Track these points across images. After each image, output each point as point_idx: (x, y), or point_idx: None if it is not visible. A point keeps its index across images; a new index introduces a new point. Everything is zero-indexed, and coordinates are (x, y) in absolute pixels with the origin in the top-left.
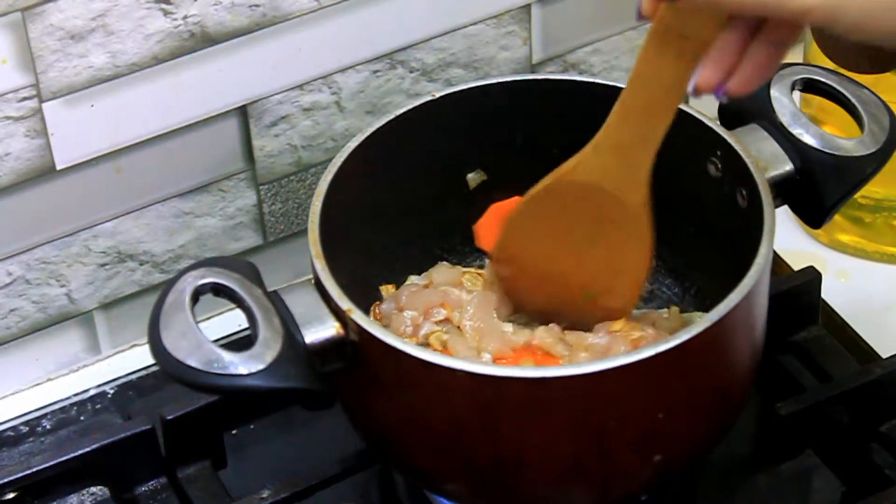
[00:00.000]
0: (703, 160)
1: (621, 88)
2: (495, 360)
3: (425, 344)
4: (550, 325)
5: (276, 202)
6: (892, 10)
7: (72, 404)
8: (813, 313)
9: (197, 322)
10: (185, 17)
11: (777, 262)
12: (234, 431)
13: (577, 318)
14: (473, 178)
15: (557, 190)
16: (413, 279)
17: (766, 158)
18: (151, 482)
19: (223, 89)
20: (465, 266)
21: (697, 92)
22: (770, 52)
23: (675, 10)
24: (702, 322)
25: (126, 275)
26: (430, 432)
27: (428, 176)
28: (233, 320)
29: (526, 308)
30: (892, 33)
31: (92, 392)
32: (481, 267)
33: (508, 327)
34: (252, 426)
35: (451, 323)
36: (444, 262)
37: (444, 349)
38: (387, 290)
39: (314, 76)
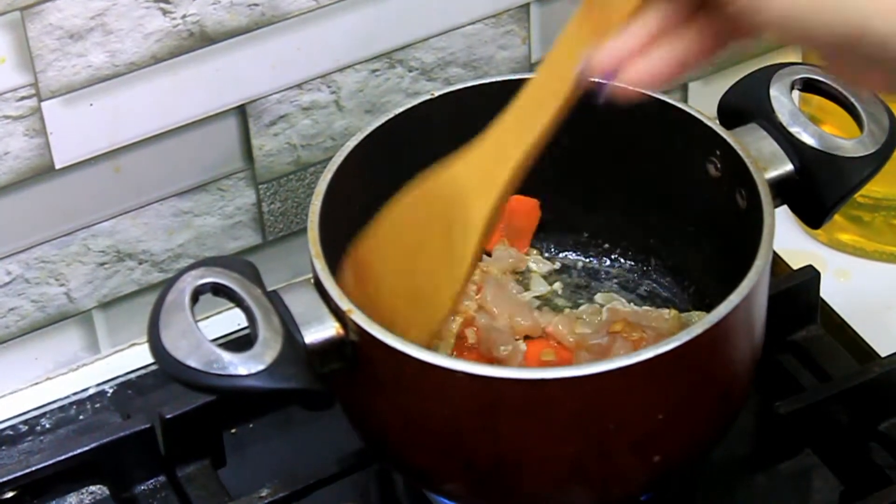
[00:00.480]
0: (703, 160)
1: (621, 87)
2: (527, 341)
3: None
4: (567, 311)
5: (275, 201)
6: (821, 8)
7: (71, 403)
8: (812, 312)
9: (196, 322)
10: (183, 17)
11: (776, 261)
12: (233, 430)
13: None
14: None
15: (427, 184)
16: None
17: (765, 158)
18: (151, 481)
19: (222, 88)
20: None
21: (589, 71)
22: (680, 55)
23: None
24: (702, 323)
25: (125, 274)
26: (429, 432)
27: None
28: (232, 319)
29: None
30: (817, 32)
31: (91, 391)
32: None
33: (535, 302)
34: (251, 425)
35: (458, 313)
36: None
37: (478, 332)
38: None
39: (313, 75)
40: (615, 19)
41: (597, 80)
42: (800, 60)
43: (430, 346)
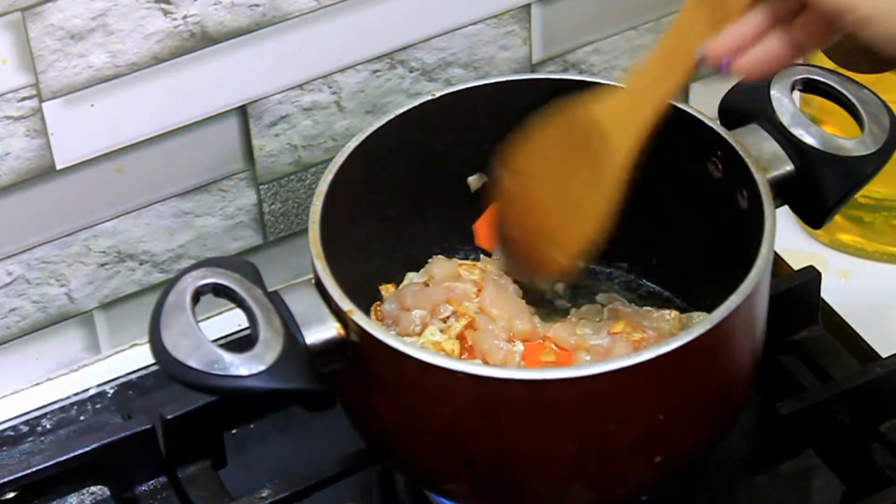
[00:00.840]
0: (704, 160)
1: (623, 88)
2: (526, 343)
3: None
4: (568, 316)
5: (276, 202)
6: None
7: (72, 404)
8: (813, 313)
9: (197, 322)
10: (185, 17)
11: (777, 261)
12: (234, 431)
13: (528, 264)
14: (475, 181)
15: (572, 118)
16: (411, 276)
17: (766, 159)
18: (151, 482)
19: (223, 89)
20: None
21: (705, 59)
22: (788, 46)
23: None
24: (703, 324)
25: (126, 274)
26: (430, 433)
27: (428, 175)
28: (233, 320)
29: (504, 237)
30: None
31: (92, 391)
32: (477, 261)
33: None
34: (252, 426)
35: (460, 315)
36: (440, 256)
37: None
38: (386, 289)
39: (314, 76)
40: (733, 8)
41: (710, 62)
42: (801, 61)
43: (573, 266)
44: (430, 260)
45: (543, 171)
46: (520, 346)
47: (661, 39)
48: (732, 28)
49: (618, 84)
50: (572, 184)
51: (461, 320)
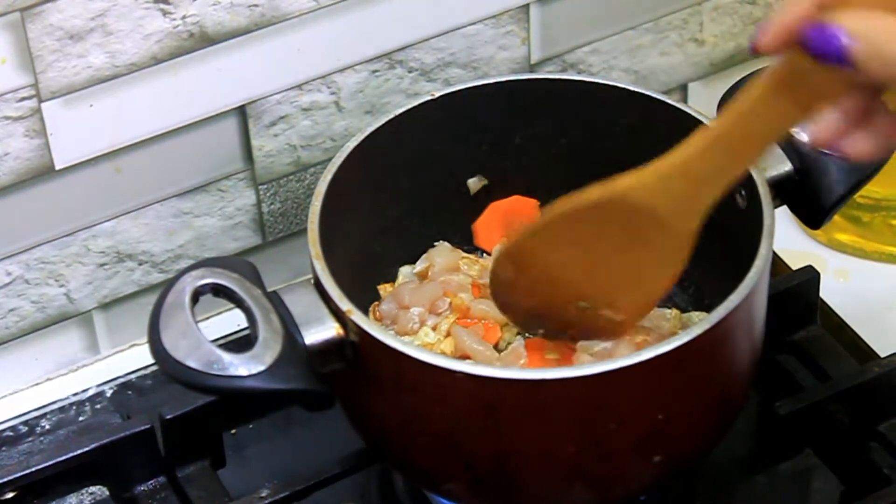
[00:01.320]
0: None
1: (621, 88)
2: (527, 340)
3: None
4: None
5: (275, 202)
6: None
7: (71, 404)
8: (812, 313)
9: (196, 322)
10: (183, 17)
11: (775, 261)
12: (233, 431)
13: (566, 325)
14: (474, 183)
15: (605, 207)
16: (404, 270)
17: (764, 158)
18: (151, 482)
19: (222, 89)
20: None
21: (815, 144)
22: (889, 137)
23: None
24: (702, 323)
25: (125, 274)
26: (429, 433)
27: (427, 175)
28: (232, 320)
29: (514, 309)
30: None
31: (91, 392)
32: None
33: None
34: (251, 426)
35: (454, 309)
36: (445, 243)
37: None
38: (385, 289)
39: (313, 76)
40: (824, 92)
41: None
42: None
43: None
44: (435, 244)
45: (564, 254)
46: (521, 340)
47: (725, 117)
48: (834, 115)
49: (659, 172)
50: (623, 258)
51: (451, 316)
